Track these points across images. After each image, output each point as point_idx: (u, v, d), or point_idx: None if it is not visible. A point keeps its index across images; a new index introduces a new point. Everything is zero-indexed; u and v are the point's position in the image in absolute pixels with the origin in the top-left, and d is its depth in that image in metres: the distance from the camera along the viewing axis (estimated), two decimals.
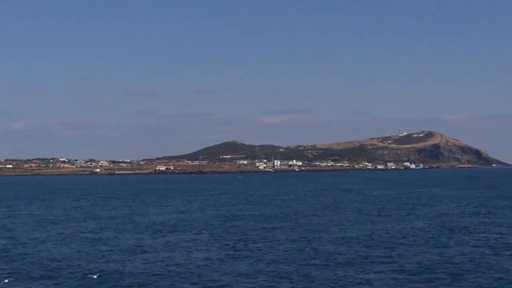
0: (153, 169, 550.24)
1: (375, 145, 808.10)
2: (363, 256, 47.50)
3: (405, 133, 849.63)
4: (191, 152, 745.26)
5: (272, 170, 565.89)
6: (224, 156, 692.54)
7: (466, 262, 44.66)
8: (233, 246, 54.24)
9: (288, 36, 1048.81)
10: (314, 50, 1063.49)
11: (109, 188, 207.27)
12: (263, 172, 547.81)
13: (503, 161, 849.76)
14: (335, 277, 40.13)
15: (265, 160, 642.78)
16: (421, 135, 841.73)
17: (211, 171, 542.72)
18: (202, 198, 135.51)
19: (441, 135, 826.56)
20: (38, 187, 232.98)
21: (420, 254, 48.14)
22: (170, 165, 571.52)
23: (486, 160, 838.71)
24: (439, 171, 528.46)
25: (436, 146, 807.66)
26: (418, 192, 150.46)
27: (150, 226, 72.26)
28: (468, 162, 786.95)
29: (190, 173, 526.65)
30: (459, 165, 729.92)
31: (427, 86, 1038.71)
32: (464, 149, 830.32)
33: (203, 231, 66.17)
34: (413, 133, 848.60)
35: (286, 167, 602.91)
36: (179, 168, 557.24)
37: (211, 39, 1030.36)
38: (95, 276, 39.39)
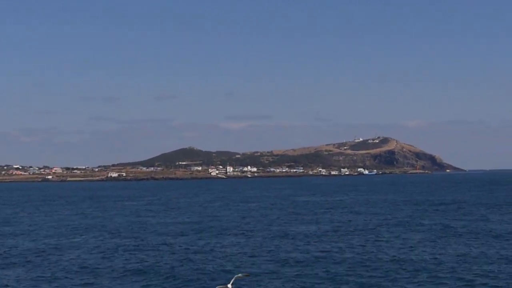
0: (105, 176, 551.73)
1: (331, 151, 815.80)
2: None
3: (361, 139, 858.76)
4: (147, 158, 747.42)
5: (225, 177, 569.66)
6: (180, 163, 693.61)
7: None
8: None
9: (249, 41, 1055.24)
10: (274, 56, 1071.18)
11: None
12: (216, 178, 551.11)
13: (457, 166, 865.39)
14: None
15: (220, 167, 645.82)
16: (377, 141, 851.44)
17: (163, 177, 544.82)
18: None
19: (396, 141, 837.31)
20: None
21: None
22: (123, 172, 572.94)
23: (440, 165, 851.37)
24: (387, 177, 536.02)
25: (391, 152, 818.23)
26: (329, 199, 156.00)
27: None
28: (423, 167, 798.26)
29: (142, 179, 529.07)
30: (412, 171, 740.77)
31: (386, 91, 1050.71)
32: (419, 155, 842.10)
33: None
34: (369, 139, 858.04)
35: (239, 173, 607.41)
36: (131, 175, 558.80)
37: (173, 44, 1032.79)
38: None
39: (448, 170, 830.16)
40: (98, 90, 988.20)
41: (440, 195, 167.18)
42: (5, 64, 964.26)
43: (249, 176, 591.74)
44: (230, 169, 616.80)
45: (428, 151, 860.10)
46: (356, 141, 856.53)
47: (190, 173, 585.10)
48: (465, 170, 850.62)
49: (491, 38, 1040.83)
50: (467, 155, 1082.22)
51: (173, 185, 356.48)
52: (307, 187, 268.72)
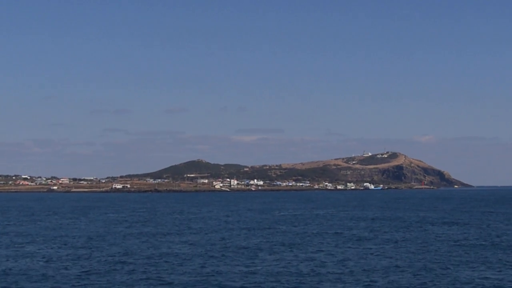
0: (110, 187, 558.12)
1: (339, 165, 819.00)
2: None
3: (370, 154, 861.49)
4: (156, 170, 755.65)
5: (228, 190, 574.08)
6: (188, 175, 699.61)
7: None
8: None
9: (263, 56, 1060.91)
10: (287, 72, 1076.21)
11: None
12: (219, 191, 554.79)
13: (466, 182, 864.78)
14: None
15: (228, 180, 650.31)
16: (385, 156, 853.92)
17: (167, 190, 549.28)
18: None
19: (405, 156, 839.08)
20: None
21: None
22: (127, 184, 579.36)
23: (448, 181, 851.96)
24: (388, 192, 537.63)
25: (399, 167, 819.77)
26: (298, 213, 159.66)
27: None
28: (431, 183, 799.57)
29: (146, 191, 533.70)
30: (417, 186, 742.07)
31: (399, 107, 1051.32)
32: (427, 170, 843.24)
33: None
34: (378, 154, 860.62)
35: (243, 186, 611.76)
36: (135, 187, 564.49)
37: (184, 57, 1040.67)
38: None
39: (456, 186, 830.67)
40: (110, 102, 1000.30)
41: (398, 210, 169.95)
42: (20, 76, 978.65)
43: (253, 189, 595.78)
44: (234, 182, 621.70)
45: (440, 166, 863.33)
46: (365, 155, 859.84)
47: (194, 186, 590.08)
48: (473, 187, 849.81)
49: (506, 54, 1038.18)
50: (479, 172, 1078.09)
51: (165, 197, 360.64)
52: (299, 200, 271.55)
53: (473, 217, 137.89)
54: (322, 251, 70.38)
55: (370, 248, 72.20)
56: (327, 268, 57.58)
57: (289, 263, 60.88)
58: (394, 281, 49.79)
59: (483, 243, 77.48)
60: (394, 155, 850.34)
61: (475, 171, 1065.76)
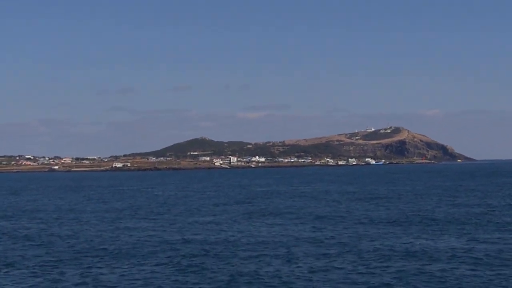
0: (110, 166, 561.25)
1: (342, 141, 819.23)
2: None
3: (373, 129, 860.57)
4: (160, 148, 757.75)
5: (228, 167, 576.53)
6: (191, 153, 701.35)
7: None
8: None
9: (267, 33, 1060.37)
10: (293, 45, 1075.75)
11: None
12: (219, 168, 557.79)
13: (469, 156, 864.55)
14: None
15: (231, 157, 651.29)
16: (388, 131, 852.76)
17: (166, 168, 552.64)
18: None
19: (408, 131, 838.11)
20: None
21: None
22: (128, 162, 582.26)
23: (452, 155, 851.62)
24: (388, 167, 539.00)
25: (402, 142, 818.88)
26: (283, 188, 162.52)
27: None
28: (434, 157, 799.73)
29: (146, 170, 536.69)
30: (418, 161, 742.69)
31: (403, 82, 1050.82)
32: (431, 145, 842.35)
33: None
34: (381, 129, 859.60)
35: (243, 163, 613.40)
36: (135, 165, 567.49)
37: (188, 34, 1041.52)
38: None
39: (459, 160, 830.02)
40: (115, 81, 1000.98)
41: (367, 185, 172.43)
42: (24, 57, 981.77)
43: (253, 166, 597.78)
44: (234, 159, 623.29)
45: (444, 141, 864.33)
46: (368, 131, 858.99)
47: (194, 164, 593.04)
48: (476, 160, 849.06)
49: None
50: (484, 145, 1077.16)
51: (154, 175, 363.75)
52: (290, 176, 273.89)
53: (431, 192, 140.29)
54: (269, 224, 73.03)
55: (320, 222, 74.43)
56: (261, 238, 60.30)
57: (223, 232, 64.19)
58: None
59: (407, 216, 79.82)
60: (397, 130, 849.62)
61: (480, 145, 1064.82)
